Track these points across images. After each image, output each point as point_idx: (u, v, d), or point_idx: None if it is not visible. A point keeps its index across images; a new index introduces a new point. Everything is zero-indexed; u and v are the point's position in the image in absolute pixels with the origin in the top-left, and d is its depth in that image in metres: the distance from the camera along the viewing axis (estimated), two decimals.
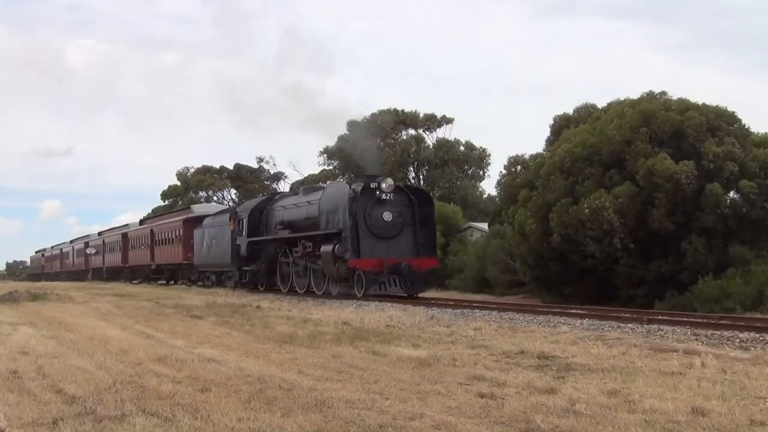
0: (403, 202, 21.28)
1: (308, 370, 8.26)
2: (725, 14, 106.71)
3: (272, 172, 63.36)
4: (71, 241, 69.48)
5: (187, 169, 68.73)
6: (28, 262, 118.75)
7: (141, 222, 49.98)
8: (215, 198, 61.25)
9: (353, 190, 21.11)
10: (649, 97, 25.78)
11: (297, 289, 23.94)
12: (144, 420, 5.84)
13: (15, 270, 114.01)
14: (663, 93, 25.94)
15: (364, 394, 6.75)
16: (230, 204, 56.72)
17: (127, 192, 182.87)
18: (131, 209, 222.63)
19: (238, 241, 27.64)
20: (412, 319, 14.46)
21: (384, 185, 20.93)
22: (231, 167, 66.25)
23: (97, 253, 56.59)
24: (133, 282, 44.37)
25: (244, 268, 27.27)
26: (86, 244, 60.26)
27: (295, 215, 24.56)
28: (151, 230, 42.44)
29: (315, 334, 12.04)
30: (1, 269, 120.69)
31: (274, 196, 28.89)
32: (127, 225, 52.59)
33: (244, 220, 27.40)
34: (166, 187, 70.43)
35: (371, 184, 21.06)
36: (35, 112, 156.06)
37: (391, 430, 5.49)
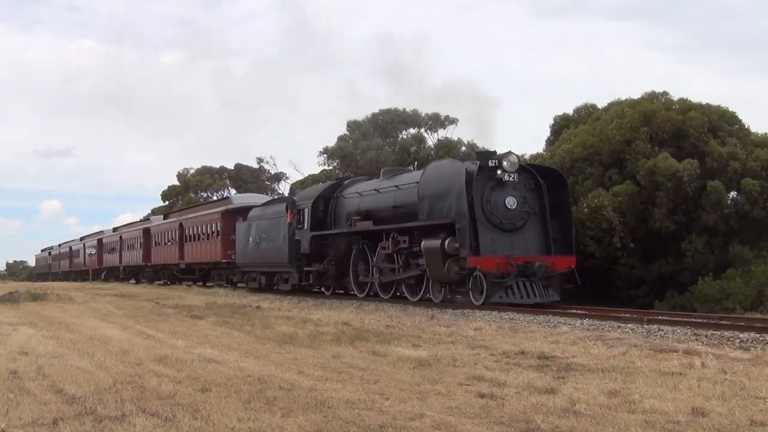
0: (528, 185, 17.20)
1: (308, 371, 8.26)
2: (725, 15, 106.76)
3: (272, 173, 63.33)
4: (81, 238, 65.30)
5: (187, 170, 68.82)
6: (29, 262, 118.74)
7: (166, 216, 44.89)
8: (215, 198, 61.06)
9: (467, 170, 16.85)
10: (650, 97, 25.81)
11: (380, 294, 19.75)
12: (144, 420, 5.84)
13: (15, 270, 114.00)
14: (664, 93, 25.97)
15: (365, 395, 6.75)
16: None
17: (127, 192, 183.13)
18: (131, 209, 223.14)
19: (297, 236, 23.31)
20: (412, 320, 14.46)
21: (506, 163, 16.71)
22: (231, 167, 66.28)
23: (112, 250, 52.22)
24: (155, 282, 41.00)
25: (305, 268, 23.05)
26: (99, 241, 56.11)
27: (377, 203, 20.24)
28: (180, 224, 37.47)
29: (315, 334, 12.04)
30: (1, 269, 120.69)
31: (342, 181, 23.95)
32: (148, 219, 48.47)
33: (306, 210, 22.99)
34: (166, 187, 70.51)
35: (489, 162, 16.78)
36: (35, 111, 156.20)
37: (391, 430, 5.48)
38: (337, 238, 21.81)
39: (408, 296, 18.60)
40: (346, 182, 23.46)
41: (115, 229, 54.89)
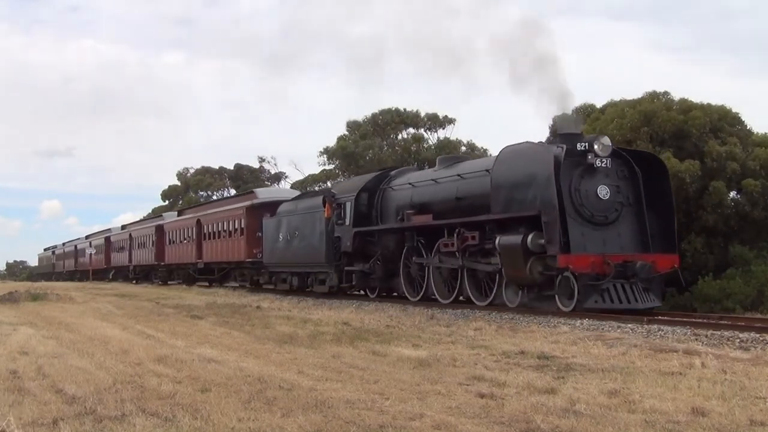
0: (621, 172, 14.94)
1: (308, 370, 8.26)
2: (726, 15, 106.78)
3: (273, 172, 63.34)
4: (87, 237, 63.03)
5: (187, 169, 68.91)
6: (29, 262, 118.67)
7: (180, 212, 42.39)
8: (215, 197, 61.01)
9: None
10: (651, 97, 25.80)
11: (438, 297, 17.59)
12: (144, 420, 5.83)
13: (15, 270, 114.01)
14: (665, 93, 25.95)
15: (364, 394, 6.75)
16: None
17: (127, 192, 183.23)
18: (131, 209, 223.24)
19: (337, 233, 21.13)
20: (412, 320, 14.47)
21: (598, 146, 14.45)
22: (231, 167, 66.34)
23: (121, 249, 49.59)
24: (168, 282, 38.92)
25: (346, 268, 20.87)
26: (107, 240, 53.67)
27: (435, 195, 18.03)
28: (198, 221, 34.87)
29: (315, 334, 12.04)
30: (0, 269, 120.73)
31: (389, 172, 21.49)
32: (161, 216, 45.80)
33: (348, 204, 20.86)
34: (166, 187, 70.58)
35: (578, 145, 14.49)
36: (36, 111, 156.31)
37: (391, 430, 5.48)
38: (386, 235, 19.68)
39: (474, 300, 16.53)
40: (392, 173, 21.11)
41: (124, 227, 52.92)
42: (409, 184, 19.27)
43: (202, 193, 65.42)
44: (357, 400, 6.48)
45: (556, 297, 14.22)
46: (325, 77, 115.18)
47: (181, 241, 37.64)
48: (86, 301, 23.74)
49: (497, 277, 15.60)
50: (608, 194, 14.49)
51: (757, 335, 10.21)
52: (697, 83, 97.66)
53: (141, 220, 53.72)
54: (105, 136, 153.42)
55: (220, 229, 32.33)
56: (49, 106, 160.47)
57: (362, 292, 22.05)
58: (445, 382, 7.35)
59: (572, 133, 15.09)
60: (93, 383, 7.52)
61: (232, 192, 59.45)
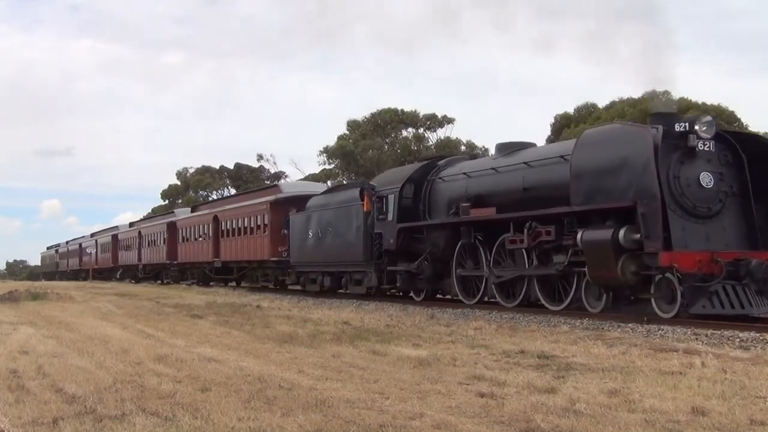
0: (724, 156, 13.11)
1: (308, 370, 8.26)
2: (725, 15, 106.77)
3: (272, 171, 63.39)
4: (92, 235, 61.81)
5: (187, 169, 68.99)
6: (29, 261, 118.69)
7: (194, 209, 40.61)
8: (214, 197, 60.96)
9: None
10: (651, 96, 25.83)
11: (500, 300, 15.91)
12: (144, 419, 5.83)
13: (15, 269, 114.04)
14: (665, 93, 25.99)
15: (364, 394, 6.75)
16: None
17: (127, 192, 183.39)
18: (131, 209, 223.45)
19: (378, 229, 19.48)
20: (412, 319, 14.46)
21: (701, 126, 12.73)
22: (231, 167, 66.41)
23: (129, 247, 48.07)
24: (183, 283, 37.24)
25: (389, 267, 19.22)
26: (114, 238, 52.05)
27: (496, 186, 16.24)
28: (215, 217, 33.21)
29: (315, 333, 12.04)
30: (1, 269, 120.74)
31: (436, 162, 19.51)
32: (172, 212, 44.02)
33: (392, 197, 19.10)
34: (166, 186, 70.66)
35: (676, 126, 12.79)
36: (36, 111, 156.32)
37: (391, 430, 5.48)
38: (436, 231, 17.80)
39: (545, 303, 14.62)
40: (441, 163, 19.23)
41: (132, 224, 51.57)
42: (464, 174, 17.35)
43: (201, 192, 65.47)
44: (357, 400, 6.48)
45: (653, 301, 12.41)
46: (326, 77, 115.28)
47: (195, 239, 36.00)
48: (86, 300, 23.75)
49: (574, 277, 13.80)
50: (711, 182, 12.69)
51: (757, 334, 10.21)
52: (695, 82, 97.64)
53: (151, 217, 52.17)
54: (105, 136, 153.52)
55: (240, 225, 30.51)
56: (49, 105, 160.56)
57: (393, 293, 20.60)
58: (445, 382, 7.35)
59: (667, 112, 13.39)
60: (93, 382, 7.52)
61: (233, 191, 59.38)
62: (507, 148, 16.84)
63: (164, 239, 40.20)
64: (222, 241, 32.37)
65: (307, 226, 23.14)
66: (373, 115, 50.98)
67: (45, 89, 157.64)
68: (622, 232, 12.33)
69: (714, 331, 10.77)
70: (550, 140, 30.42)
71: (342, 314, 15.89)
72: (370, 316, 15.58)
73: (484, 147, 52.66)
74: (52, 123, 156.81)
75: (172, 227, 39.42)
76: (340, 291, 22.62)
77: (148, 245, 43.88)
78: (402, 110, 51.32)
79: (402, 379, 7.56)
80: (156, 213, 60.44)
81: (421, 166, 19.71)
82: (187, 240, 37.18)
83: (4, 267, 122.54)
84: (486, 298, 16.67)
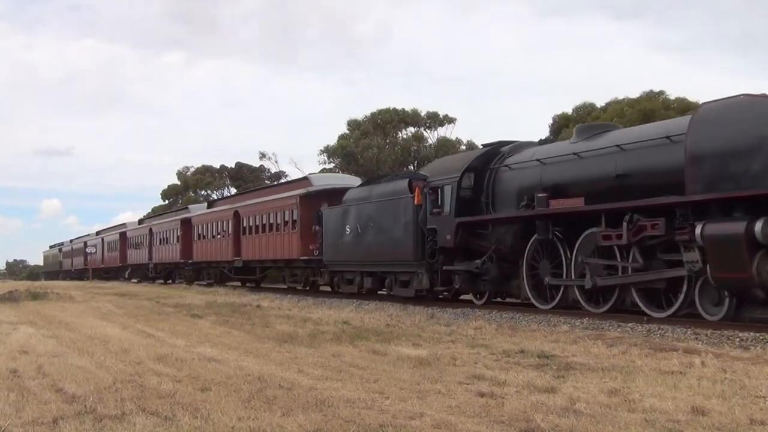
0: None
1: (308, 370, 8.26)
2: (725, 15, 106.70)
3: (273, 171, 63.38)
4: (98, 233, 59.80)
5: (187, 168, 68.98)
6: (29, 261, 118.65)
7: (211, 204, 38.34)
8: (214, 196, 60.90)
9: None
10: (649, 96, 25.84)
11: (583, 304, 13.92)
12: (144, 419, 5.83)
13: (15, 269, 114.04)
14: (662, 92, 26.00)
15: (364, 393, 6.75)
16: None
17: (127, 192, 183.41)
18: (131, 209, 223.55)
19: (431, 224, 17.40)
20: (412, 319, 14.47)
21: None
22: (231, 166, 66.40)
23: (139, 245, 46.00)
24: (196, 283, 35.63)
25: (445, 267, 17.18)
26: (122, 236, 50.04)
27: (581, 173, 14.24)
28: (236, 213, 31.03)
29: (315, 333, 12.04)
30: (0, 268, 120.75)
31: (498, 148, 17.25)
32: (187, 209, 41.78)
33: (448, 188, 17.03)
34: (166, 186, 70.65)
35: None
36: (36, 110, 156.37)
37: (391, 429, 5.48)
38: (502, 226, 15.87)
39: (646, 310, 12.62)
40: (504, 149, 17.03)
41: (141, 221, 49.83)
42: (537, 161, 15.32)
43: (202, 192, 65.45)
44: (357, 399, 6.48)
45: None
46: (325, 76, 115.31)
47: (213, 237, 33.89)
48: (86, 300, 23.75)
49: (685, 279, 11.97)
50: None
51: (757, 334, 10.21)
52: (694, 82, 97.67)
53: (161, 214, 50.17)
54: (105, 136, 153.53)
55: (264, 222, 28.25)
56: (49, 105, 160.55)
57: (446, 295, 18.57)
58: (445, 381, 7.35)
59: None
60: (93, 382, 7.51)
61: (233, 191, 59.31)
62: (589, 131, 14.90)
63: (178, 237, 38.20)
64: (243, 239, 30.15)
65: (344, 222, 21.09)
66: (373, 115, 51.00)
67: (45, 89, 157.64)
68: (758, 226, 10.38)
69: (714, 331, 10.77)
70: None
71: (342, 314, 15.89)
72: (370, 315, 15.58)
73: (481, 145, 52.65)
74: (52, 123, 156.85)
75: (186, 224, 37.31)
76: (382, 293, 20.57)
77: (160, 243, 41.84)
78: (403, 109, 51.35)
79: (402, 379, 7.56)
80: (156, 212, 60.29)
81: (481, 154, 17.49)
82: (204, 237, 35.15)
83: (4, 267, 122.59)
84: (565, 303, 14.53)
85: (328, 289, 23.66)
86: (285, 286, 28.15)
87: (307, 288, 25.53)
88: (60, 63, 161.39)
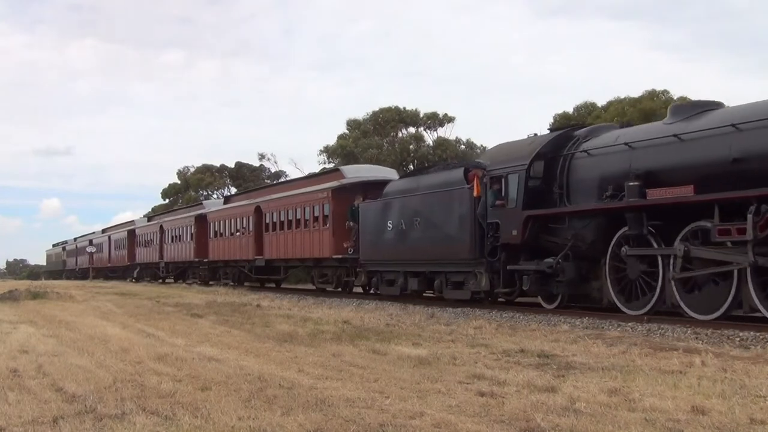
0: None
1: (308, 369, 8.26)
2: (726, 14, 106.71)
3: (273, 170, 63.40)
4: (104, 230, 57.91)
5: (187, 168, 68.99)
6: (29, 260, 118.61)
7: (228, 200, 36.06)
8: (215, 196, 60.84)
9: None
10: (650, 95, 25.84)
11: (686, 311, 12.05)
12: (144, 418, 5.83)
13: (15, 269, 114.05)
14: (664, 92, 25.99)
15: (364, 393, 6.74)
16: None
17: (127, 191, 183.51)
18: (131, 208, 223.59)
19: (492, 218, 15.58)
20: (412, 318, 14.46)
21: None
22: (231, 165, 66.41)
23: (149, 243, 43.81)
24: (210, 283, 34.02)
25: (509, 266, 15.29)
26: (131, 233, 47.81)
27: (681, 157, 12.49)
28: (258, 209, 29.05)
29: (315, 332, 12.04)
30: (1, 268, 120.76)
31: (572, 132, 15.41)
32: (201, 204, 39.91)
33: (514, 178, 15.14)
34: (166, 185, 70.67)
35: None
36: (36, 110, 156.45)
37: (391, 429, 5.48)
38: (580, 220, 14.13)
39: None
40: (579, 132, 15.15)
41: (150, 218, 48.24)
42: (624, 144, 13.43)
43: (202, 191, 65.44)
44: (357, 399, 6.48)
45: None
46: (325, 76, 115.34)
47: (232, 234, 31.91)
48: (86, 299, 23.75)
49: None
50: None
51: (757, 333, 10.21)
52: (695, 82, 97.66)
53: (173, 210, 48.11)
54: (105, 136, 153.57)
55: (290, 217, 26.26)
56: (50, 104, 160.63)
57: (508, 298, 16.33)
58: (445, 381, 7.35)
59: None
60: (93, 382, 7.52)
61: (233, 190, 59.24)
62: (689, 110, 13.09)
63: (191, 234, 36.09)
64: (266, 236, 28.19)
65: (385, 217, 19.27)
66: (373, 114, 51.01)
67: (45, 89, 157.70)
68: None
69: (714, 330, 10.77)
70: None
71: (342, 313, 15.89)
72: (370, 315, 15.58)
73: (483, 146, 52.72)
74: (52, 123, 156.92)
75: (201, 221, 35.18)
76: (429, 294, 18.94)
77: (172, 241, 39.62)
78: (404, 108, 51.35)
79: (402, 378, 7.55)
80: (156, 211, 60.21)
81: (552, 139, 15.36)
82: (221, 235, 33.15)
83: (4, 266, 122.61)
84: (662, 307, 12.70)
85: (371, 290, 21.68)
86: (313, 287, 26.31)
87: (339, 289, 23.97)
88: (60, 63, 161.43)
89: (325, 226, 23.50)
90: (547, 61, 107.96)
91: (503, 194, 15.37)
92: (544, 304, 15.07)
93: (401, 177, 20.99)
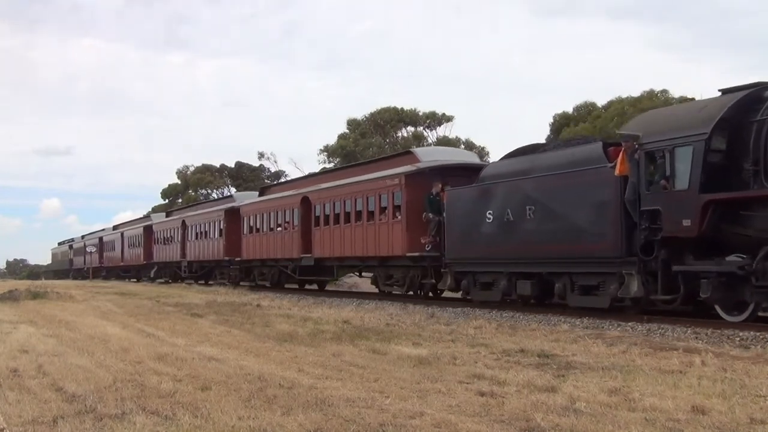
0: None
1: (308, 369, 8.26)
2: (726, 14, 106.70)
3: (272, 170, 63.42)
4: (115, 227, 54.05)
5: (187, 168, 69.01)
6: (29, 260, 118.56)
7: (263, 191, 31.31)
8: (214, 196, 60.82)
9: None
10: (650, 95, 25.85)
11: None
12: (144, 418, 5.83)
13: (15, 268, 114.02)
14: (664, 91, 26.01)
15: (365, 393, 6.74)
16: None
17: (127, 191, 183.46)
18: (131, 208, 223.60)
19: (649, 204, 12.16)
20: (412, 318, 14.46)
21: None
22: (231, 165, 66.45)
23: (168, 240, 40.01)
24: (241, 284, 30.84)
25: (676, 267, 11.79)
26: (147, 229, 44.06)
27: None
28: (304, 199, 25.12)
29: (315, 332, 12.04)
30: (1, 268, 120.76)
31: (762, 92, 11.71)
32: (231, 197, 36.50)
33: (685, 152, 11.71)
34: (166, 185, 70.71)
35: None
36: (36, 110, 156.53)
37: (391, 429, 5.48)
38: None
39: None
40: None
41: (168, 213, 43.93)
42: None
43: (202, 191, 65.46)
44: (357, 399, 6.48)
45: None
46: (325, 76, 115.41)
47: (270, 230, 28.05)
48: (86, 299, 23.74)
49: None
50: None
51: (757, 333, 10.21)
52: (695, 81, 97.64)
53: (196, 204, 44.33)
54: (105, 136, 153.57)
55: (348, 209, 22.35)
56: (50, 104, 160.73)
57: (671, 307, 12.42)
58: (445, 381, 7.35)
59: None
60: (93, 382, 7.52)
61: (233, 190, 59.06)
62: None
63: (220, 230, 32.48)
64: (316, 231, 24.22)
65: (483, 206, 16.08)
66: (373, 114, 51.05)
67: (45, 89, 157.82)
68: None
69: (714, 330, 10.77)
70: (549, 139, 30.39)
71: (342, 313, 15.88)
72: (370, 315, 15.57)
73: (482, 146, 52.74)
74: (52, 123, 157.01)
75: (232, 215, 31.53)
76: (549, 303, 15.22)
77: (196, 238, 35.89)
78: (402, 108, 51.39)
79: (402, 378, 7.56)
80: (156, 211, 60.01)
81: (736, 102, 11.66)
82: (257, 231, 29.23)
83: (5, 266, 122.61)
84: None
85: (464, 295, 18.07)
86: (376, 290, 22.34)
87: (410, 293, 20.13)
88: (60, 63, 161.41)
89: (396, 219, 19.67)
90: (547, 62, 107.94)
91: (668, 173, 12.01)
92: (724, 316, 11.63)
93: (504, 157, 17.40)
